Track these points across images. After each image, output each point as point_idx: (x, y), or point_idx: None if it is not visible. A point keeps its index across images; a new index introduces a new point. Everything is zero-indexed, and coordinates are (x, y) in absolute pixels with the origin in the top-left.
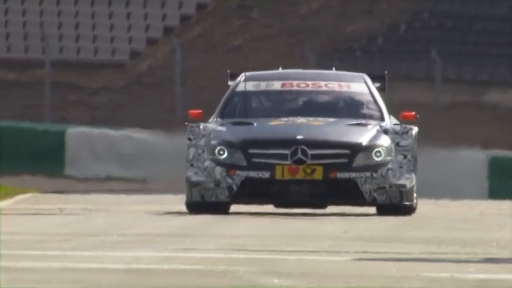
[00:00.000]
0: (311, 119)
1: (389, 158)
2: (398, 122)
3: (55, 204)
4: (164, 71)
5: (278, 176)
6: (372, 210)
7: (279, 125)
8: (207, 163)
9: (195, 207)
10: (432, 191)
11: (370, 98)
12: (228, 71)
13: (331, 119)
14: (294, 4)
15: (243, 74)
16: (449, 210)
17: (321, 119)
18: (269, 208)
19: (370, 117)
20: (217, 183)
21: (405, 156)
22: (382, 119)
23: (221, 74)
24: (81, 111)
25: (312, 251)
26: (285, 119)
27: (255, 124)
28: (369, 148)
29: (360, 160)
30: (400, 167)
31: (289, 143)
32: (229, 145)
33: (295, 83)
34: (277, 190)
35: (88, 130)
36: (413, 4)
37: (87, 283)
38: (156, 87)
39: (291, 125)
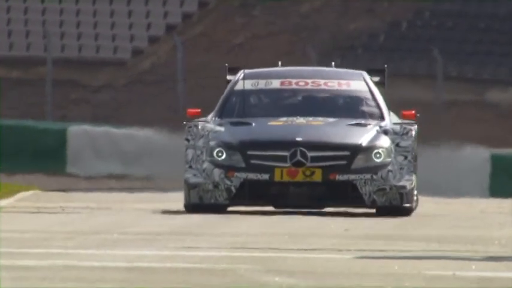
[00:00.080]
0: (310, 119)
1: (389, 160)
2: (398, 120)
3: (57, 203)
4: (166, 69)
5: (277, 178)
6: (373, 209)
7: (278, 126)
8: (205, 165)
9: (194, 209)
10: (434, 189)
11: (369, 96)
12: (227, 64)
13: (331, 119)
14: (296, 2)
15: (242, 71)
16: (450, 208)
17: (320, 118)
18: (270, 207)
19: (370, 116)
20: (216, 185)
21: (405, 157)
22: (382, 117)
23: (223, 72)
24: (83, 109)
25: (313, 249)
26: (284, 119)
27: (254, 124)
28: (369, 149)
29: (359, 162)
30: (400, 169)
31: (288, 144)
32: (227, 146)
33: (294, 81)
34: (276, 192)
35: (90, 128)
36: (414, 3)
37: (90, 281)
38: (158, 85)
39: (290, 126)
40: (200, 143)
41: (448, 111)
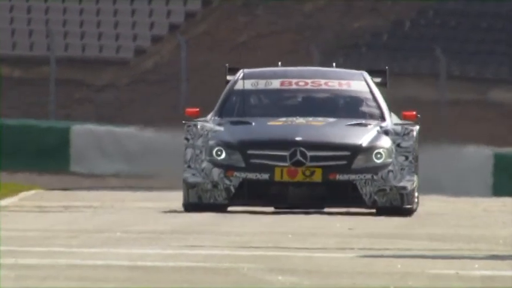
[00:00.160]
0: (310, 119)
1: (390, 160)
2: (399, 120)
3: (60, 201)
4: (169, 68)
5: (277, 177)
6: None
7: (278, 126)
8: (204, 164)
9: (192, 208)
10: (437, 188)
11: (370, 97)
12: (227, 64)
13: (331, 119)
14: (299, 1)
15: (242, 71)
16: (453, 207)
17: (320, 119)
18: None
19: (371, 116)
20: (215, 185)
21: (406, 158)
22: (382, 118)
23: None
24: (86, 108)
25: (317, 248)
26: (284, 119)
27: (254, 124)
28: (369, 150)
29: (359, 162)
30: (401, 169)
31: (288, 144)
32: (227, 146)
33: (294, 81)
34: (276, 192)
35: (93, 127)
36: (418, 2)
37: (93, 280)
38: (161, 84)
39: (289, 126)
40: (199, 142)
41: (451, 110)
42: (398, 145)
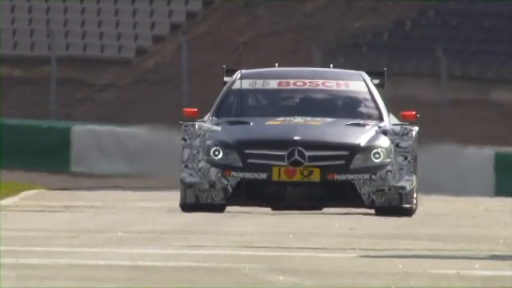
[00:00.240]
0: (308, 118)
1: (388, 160)
2: (398, 122)
3: (61, 201)
4: (170, 68)
5: (275, 177)
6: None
7: (276, 125)
8: (202, 164)
9: (190, 209)
10: (438, 188)
11: (368, 97)
12: (224, 66)
13: (329, 119)
14: (300, 1)
15: (239, 71)
16: (455, 207)
17: (318, 119)
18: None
19: (369, 116)
20: (212, 185)
21: (405, 158)
22: (381, 118)
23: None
24: (87, 108)
25: (318, 248)
26: (282, 118)
27: (251, 124)
28: (368, 149)
29: (358, 161)
30: (400, 169)
31: (286, 143)
32: (224, 145)
33: (292, 81)
34: (274, 192)
35: (94, 127)
36: (419, 1)
37: (94, 280)
38: (162, 84)
39: (287, 125)
40: (197, 142)
41: (452, 110)
42: (397, 145)
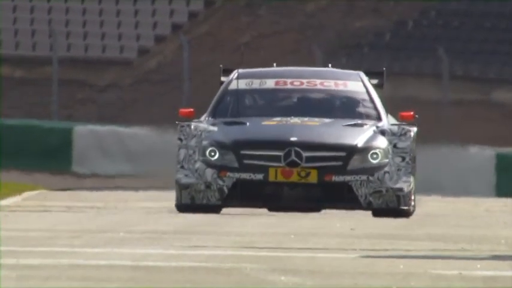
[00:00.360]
0: (305, 119)
1: (386, 161)
2: (396, 122)
3: (63, 202)
4: (172, 68)
5: (271, 178)
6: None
7: (272, 126)
8: (197, 164)
9: (185, 209)
10: (439, 189)
11: (366, 97)
12: (221, 65)
13: (326, 120)
14: (301, 1)
15: (236, 71)
16: (456, 207)
17: (315, 119)
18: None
19: (367, 117)
20: (208, 185)
21: (403, 159)
22: (379, 118)
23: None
24: (89, 108)
25: (319, 249)
26: (279, 118)
27: (248, 124)
28: (365, 150)
29: (355, 162)
30: (398, 170)
31: (283, 144)
32: (220, 146)
33: (289, 81)
34: (270, 193)
35: (96, 128)
36: (420, 2)
37: (96, 280)
38: (164, 84)
39: (284, 126)
40: (193, 142)
41: (454, 111)
42: (394, 145)
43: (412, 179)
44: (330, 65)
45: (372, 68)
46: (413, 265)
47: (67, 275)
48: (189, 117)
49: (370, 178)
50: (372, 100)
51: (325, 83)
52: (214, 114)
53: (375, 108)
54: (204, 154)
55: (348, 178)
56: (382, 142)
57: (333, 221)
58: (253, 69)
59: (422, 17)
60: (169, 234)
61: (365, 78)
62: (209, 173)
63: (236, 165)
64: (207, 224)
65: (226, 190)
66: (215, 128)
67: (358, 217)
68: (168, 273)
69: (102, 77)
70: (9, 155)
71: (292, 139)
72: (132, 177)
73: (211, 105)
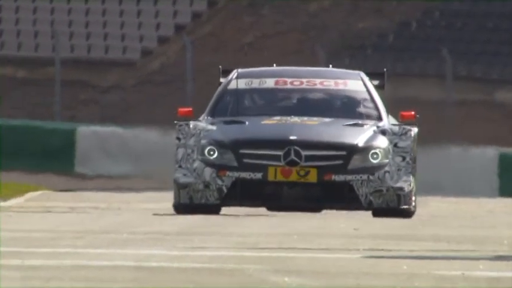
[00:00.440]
0: (305, 118)
1: (386, 160)
2: (396, 122)
3: (66, 202)
4: (175, 69)
5: (271, 177)
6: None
7: (272, 125)
8: (196, 164)
9: (183, 209)
10: (442, 189)
11: (367, 97)
12: (220, 66)
13: (326, 119)
14: (304, 1)
15: (235, 70)
16: (459, 208)
17: (315, 118)
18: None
19: (367, 116)
20: (207, 185)
21: (404, 158)
22: (379, 118)
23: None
24: (91, 109)
25: (322, 249)
26: (278, 117)
27: (247, 123)
28: (366, 149)
29: (355, 162)
30: (398, 170)
31: (282, 143)
32: (219, 145)
33: (288, 80)
34: (270, 192)
35: (99, 128)
36: (423, 2)
37: (99, 281)
38: (167, 85)
39: (283, 125)
40: (191, 141)
41: (457, 111)
42: (395, 145)
43: (412, 178)
44: (330, 66)
45: (375, 69)
46: (417, 266)
47: (70, 275)
48: (188, 117)
49: (371, 177)
50: (372, 99)
51: (325, 83)
52: (213, 114)
53: (376, 107)
54: (202, 153)
55: (349, 177)
56: (382, 142)
57: (337, 222)
58: (253, 68)
59: (425, 18)
60: (173, 235)
61: (365, 78)
62: (208, 172)
63: (235, 164)
64: (210, 225)
65: (225, 189)
66: (214, 127)
67: (361, 217)
68: (171, 274)
69: (105, 77)
70: (12, 155)
71: (292, 138)
72: (135, 178)
73: (209, 105)
